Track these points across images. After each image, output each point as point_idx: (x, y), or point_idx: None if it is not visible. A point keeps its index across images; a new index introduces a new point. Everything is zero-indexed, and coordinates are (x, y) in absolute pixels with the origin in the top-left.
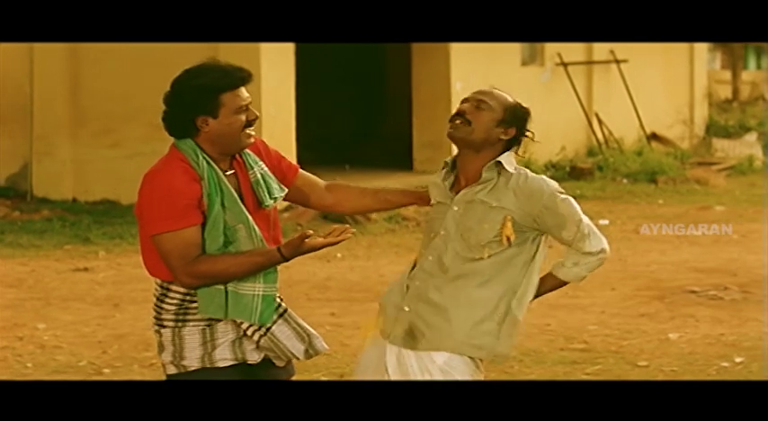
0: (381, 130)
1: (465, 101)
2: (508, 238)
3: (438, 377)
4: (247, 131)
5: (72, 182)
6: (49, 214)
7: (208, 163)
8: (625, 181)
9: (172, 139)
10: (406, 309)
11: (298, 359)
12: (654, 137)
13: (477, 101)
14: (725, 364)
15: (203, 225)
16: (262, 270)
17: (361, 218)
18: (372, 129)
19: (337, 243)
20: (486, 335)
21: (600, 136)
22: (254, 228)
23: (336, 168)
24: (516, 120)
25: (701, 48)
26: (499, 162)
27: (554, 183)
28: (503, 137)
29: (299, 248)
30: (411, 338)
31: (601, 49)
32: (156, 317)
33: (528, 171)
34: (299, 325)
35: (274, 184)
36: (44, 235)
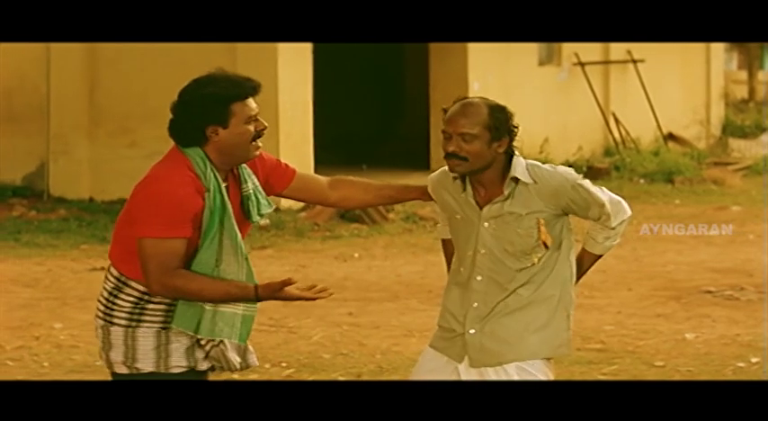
0: (399, 130)
1: (447, 136)
2: (545, 243)
3: (516, 377)
4: (255, 143)
5: (89, 181)
6: (66, 214)
7: (215, 175)
8: (642, 181)
9: None
10: (472, 331)
11: (236, 370)
12: (670, 137)
13: (461, 135)
14: (741, 365)
15: (201, 238)
16: (232, 301)
17: (378, 217)
18: (390, 128)
19: (312, 300)
20: (561, 332)
21: (617, 136)
22: (241, 247)
23: (354, 168)
24: (504, 128)
25: (718, 48)
26: (515, 177)
27: (570, 172)
28: (499, 150)
29: (275, 293)
30: (486, 357)
31: (618, 49)
32: (104, 312)
33: (537, 165)
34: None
35: (263, 201)
36: (61, 234)
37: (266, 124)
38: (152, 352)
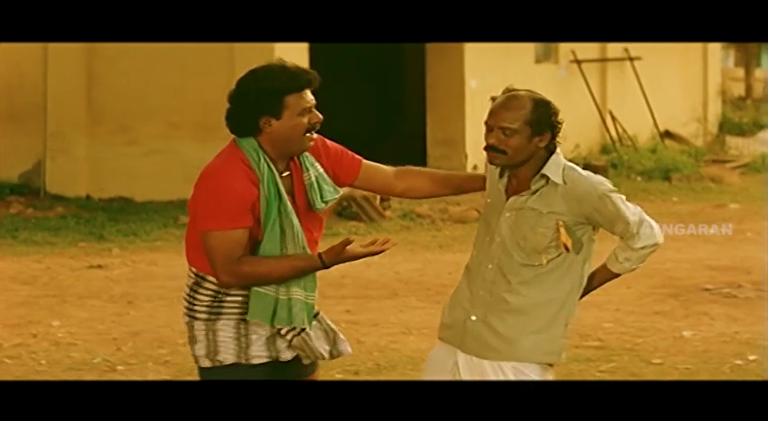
0: (397, 129)
1: (489, 128)
2: (565, 245)
3: (512, 378)
4: (309, 135)
5: (87, 179)
6: (64, 211)
7: (268, 165)
8: (639, 178)
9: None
10: (473, 318)
11: (323, 359)
12: (667, 134)
13: (501, 129)
14: (739, 362)
15: (261, 228)
16: (301, 275)
17: (376, 215)
18: (388, 127)
19: (379, 253)
20: (557, 339)
21: (614, 133)
22: (299, 236)
23: None
24: (547, 123)
25: (715, 45)
26: (546, 175)
27: (602, 182)
28: (540, 145)
29: (339, 256)
30: (482, 348)
31: (615, 47)
32: (187, 308)
33: (573, 168)
34: (329, 326)
35: (328, 187)
36: (59, 232)
37: (321, 116)
38: (232, 342)
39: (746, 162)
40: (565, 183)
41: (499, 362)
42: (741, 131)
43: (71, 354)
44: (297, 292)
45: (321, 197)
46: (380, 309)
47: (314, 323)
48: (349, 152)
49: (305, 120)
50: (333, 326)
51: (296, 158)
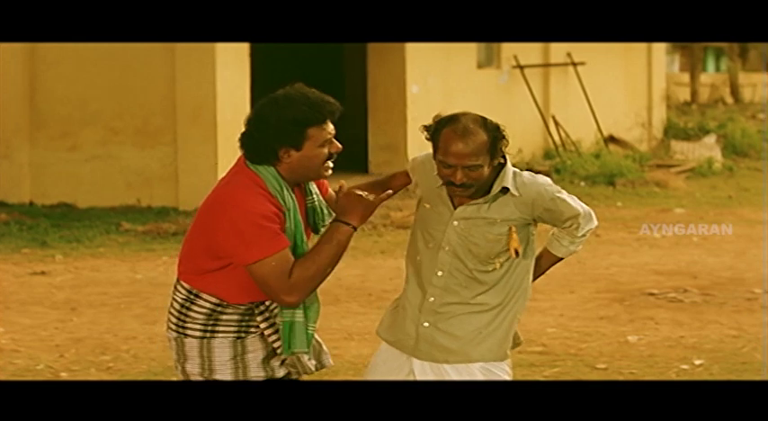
0: (337, 134)
1: (448, 166)
2: (516, 250)
3: (481, 377)
4: (327, 164)
5: (29, 185)
6: (7, 218)
7: (291, 195)
8: (583, 184)
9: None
10: (426, 324)
11: (311, 373)
12: (612, 139)
13: (466, 167)
14: (685, 367)
15: None
16: (344, 249)
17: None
18: None
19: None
20: (511, 338)
21: (557, 138)
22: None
23: None
24: (500, 147)
25: (660, 50)
26: (506, 188)
27: (549, 183)
28: (495, 163)
29: (357, 205)
30: (439, 352)
31: (558, 52)
32: (176, 323)
33: (521, 174)
34: (316, 341)
35: (326, 210)
36: (1, 238)
37: (340, 146)
38: (229, 362)
39: (692, 166)
40: (520, 194)
41: (465, 364)
42: (686, 136)
43: (14, 361)
44: (300, 316)
45: (323, 220)
46: (323, 315)
47: None
48: None
49: (325, 150)
50: (319, 339)
51: (300, 182)
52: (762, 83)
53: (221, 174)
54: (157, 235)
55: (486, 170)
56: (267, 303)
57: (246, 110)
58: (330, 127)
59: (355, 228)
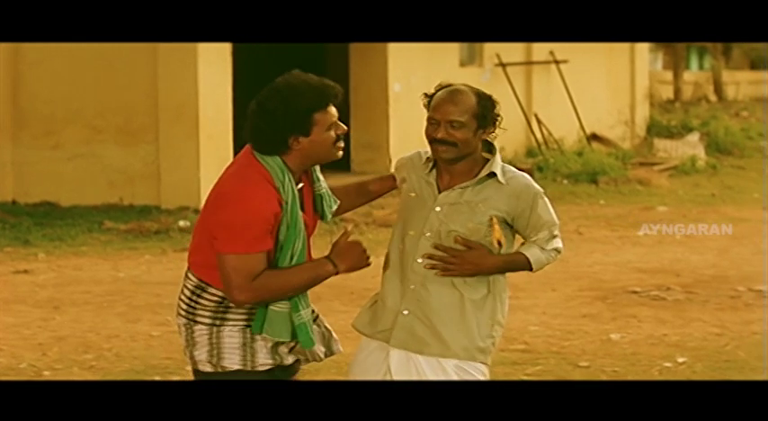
0: None
1: (434, 122)
2: (499, 241)
3: (455, 377)
4: (338, 144)
5: (12, 183)
6: None
7: (292, 187)
8: (566, 182)
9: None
10: (405, 312)
11: (320, 360)
12: (594, 137)
13: (449, 122)
14: (668, 365)
15: (277, 246)
16: (316, 283)
17: None
18: None
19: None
20: (486, 338)
21: (539, 136)
22: (304, 250)
23: None
24: (491, 117)
25: (643, 48)
26: (493, 173)
27: (535, 183)
28: (483, 137)
29: (349, 252)
30: (416, 342)
31: (540, 50)
32: (186, 310)
33: (510, 168)
34: (326, 328)
35: (332, 198)
36: None
37: (345, 127)
38: (238, 350)
39: (675, 164)
40: (507, 181)
41: (437, 358)
42: (669, 134)
43: None
44: (308, 312)
45: (331, 207)
46: None
47: (315, 326)
48: None
49: (332, 133)
50: (328, 326)
51: (308, 170)
52: (745, 81)
53: (203, 172)
54: (140, 233)
55: (469, 135)
56: None
57: (229, 109)
58: (334, 110)
59: (338, 273)
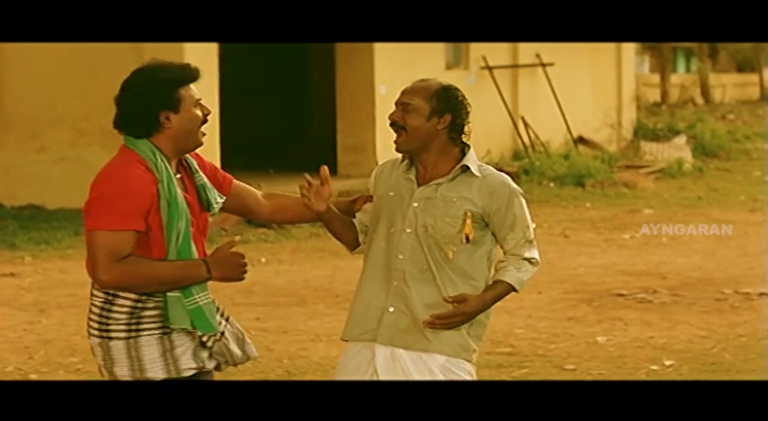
0: (305, 134)
1: (396, 106)
2: (467, 236)
3: (441, 377)
4: (202, 129)
5: None
6: None
7: (166, 166)
8: (552, 184)
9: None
10: (391, 309)
11: (238, 363)
12: (581, 140)
13: (402, 104)
14: (654, 367)
15: (163, 228)
16: (185, 283)
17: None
18: (296, 132)
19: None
20: (471, 336)
21: (526, 139)
22: (188, 231)
23: (260, 172)
24: (447, 104)
25: (629, 51)
26: (466, 166)
27: (512, 182)
28: (439, 126)
29: (226, 261)
30: (402, 338)
31: (526, 53)
32: (98, 329)
33: (490, 167)
34: (238, 329)
35: (215, 191)
36: None
37: (210, 109)
38: (159, 359)
39: (661, 167)
40: (483, 176)
41: (423, 355)
42: (656, 137)
43: None
44: (203, 297)
45: (215, 198)
46: (289, 316)
47: (228, 326)
48: (221, 170)
49: (199, 112)
50: (241, 329)
51: (184, 161)
52: (731, 84)
53: None
54: None
55: (420, 120)
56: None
57: (215, 109)
58: (195, 89)
59: (209, 280)
